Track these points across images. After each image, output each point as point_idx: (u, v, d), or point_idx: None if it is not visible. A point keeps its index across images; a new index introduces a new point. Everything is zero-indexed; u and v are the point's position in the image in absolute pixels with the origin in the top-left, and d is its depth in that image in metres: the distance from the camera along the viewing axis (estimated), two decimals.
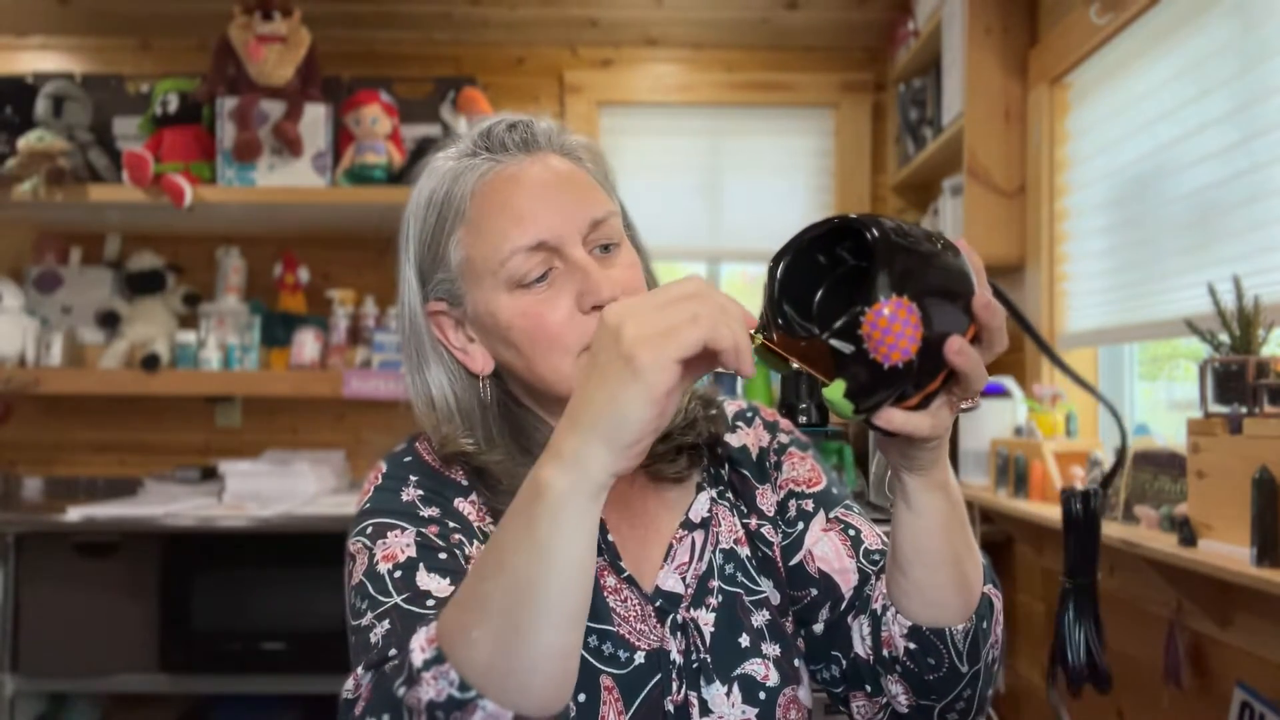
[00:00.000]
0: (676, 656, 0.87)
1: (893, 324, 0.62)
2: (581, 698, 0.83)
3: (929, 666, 0.82)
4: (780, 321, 0.68)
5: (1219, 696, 1.64)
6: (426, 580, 0.77)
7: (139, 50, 3.28)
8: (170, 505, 2.57)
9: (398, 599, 0.76)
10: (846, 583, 0.90)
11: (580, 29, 3.22)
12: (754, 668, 0.88)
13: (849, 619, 0.89)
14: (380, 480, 0.88)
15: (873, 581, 0.90)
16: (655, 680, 0.86)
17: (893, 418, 0.67)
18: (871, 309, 0.62)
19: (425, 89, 2.89)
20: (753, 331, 0.67)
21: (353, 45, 3.23)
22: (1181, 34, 1.90)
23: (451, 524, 0.84)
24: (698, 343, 0.61)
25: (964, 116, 2.51)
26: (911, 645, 0.82)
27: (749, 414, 1.03)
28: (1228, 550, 1.43)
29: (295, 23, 2.65)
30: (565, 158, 0.90)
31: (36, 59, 3.25)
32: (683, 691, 0.86)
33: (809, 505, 0.95)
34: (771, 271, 0.71)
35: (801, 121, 3.33)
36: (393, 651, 0.72)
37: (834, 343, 0.64)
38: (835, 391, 0.64)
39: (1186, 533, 1.52)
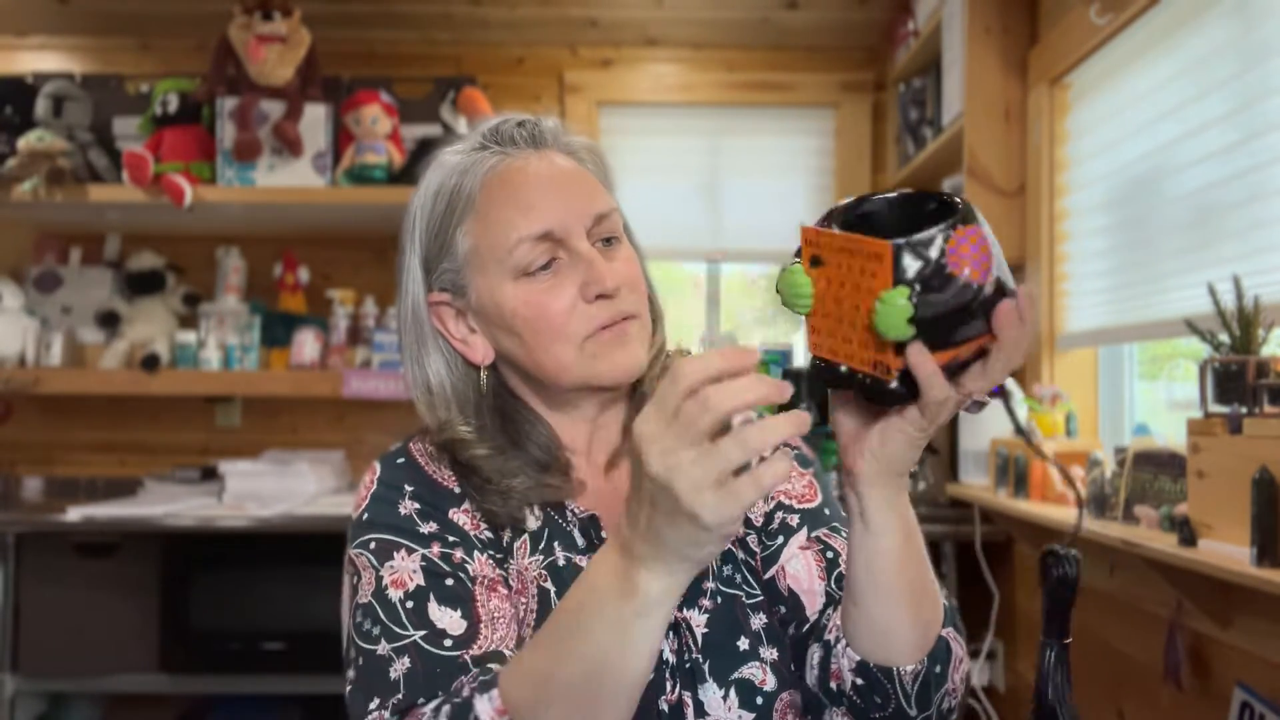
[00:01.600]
0: (669, 656, 0.87)
1: (980, 245, 0.63)
2: None
3: (875, 705, 0.80)
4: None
5: (1219, 696, 1.64)
6: (439, 614, 0.80)
7: (139, 50, 3.29)
8: (170, 505, 2.57)
9: (416, 635, 0.79)
10: (812, 605, 0.89)
11: (580, 29, 3.23)
12: (752, 672, 0.88)
13: (809, 642, 0.88)
14: (375, 486, 0.89)
15: (831, 610, 0.88)
16: (649, 679, 0.85)
17: (926, 360, 0.64)
18: (966, 226, 0.64)
19: (425, 89, 2.89)
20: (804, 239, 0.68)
21: (353, 45, 3.23)
22: (1181, 34, 1.90)
23: (451, 538, 0.86)
24: (759, 496, 0.61)
25: (964, 116, 2.51)
26: (859, 681, 0.80)
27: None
28: (1228, 550, 1.43)
29: (295, 23, 2.65)
30: (569, 156, 0.93)
31: (36, 59, 3.25)
32: (676, 691, 0.86)
33: (794, 520, 0.94)
34: (847, 206, 0.71)
35: (801, 121, 3.33)
36: (422, 700, 0.75)
37: (905, 257, 0.63)
38: (898, 297, 0.62)
39: (1186, 533, 1.51)
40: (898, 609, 0.76)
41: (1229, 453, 1.45)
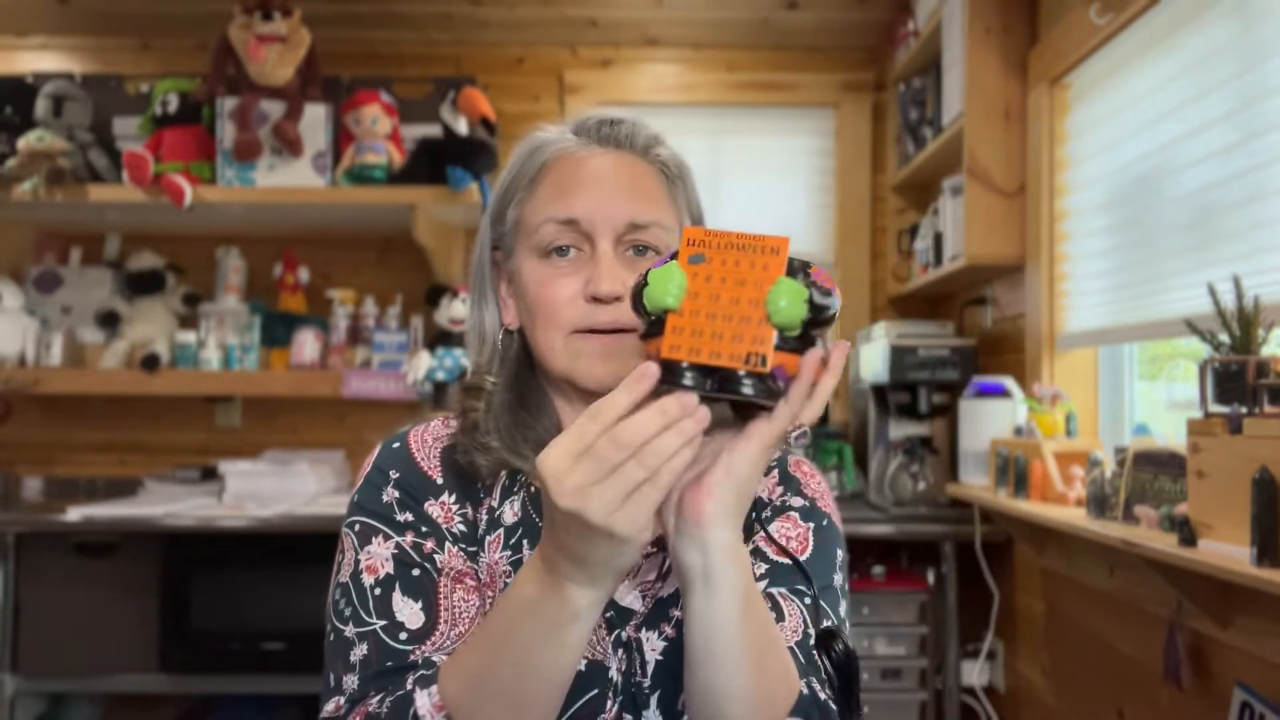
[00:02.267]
0: (615, 674, 0.85)
1: (830, 280, 0.69)
2: None
3: None
4: None
5: (1219, 696, 1.64)
6: (401, 605, 0.85)
7: (139, 50, 3.29)
8: (170, 505, 2.57)
9: (377, 625, 0.84)
10: None
11: (580, 29, 3.23)
12: None
13: None
14: (369, 469, 0.94)
15: None
16: (592, 694, 0.84)
17: (815, 351, 0.67)
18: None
19: (425, 89, 2.89)
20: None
21: (353, 45, 3.23)
22: (1181, 34, 1.90)
23: (424, 528, 0.89)
24: (660, 497, 0.65)
25: (964, 116, 2.51)
26: None
27: (773, 464, 0.98)
28: (1228, 550, 1.43)
29: (295, 23, 2.65)
30: (651, 164, 0.94)
31: (36, 59, 3.25)
32: (615, 710, 0.84)
33: (760, 569, 0.89)
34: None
35: (802, 121, 3.33)
36: (373, 693, 0.80)
37: (791, 260, 0.68)
38: (798, 283, 0.66)
39: (1186, 533, 1.51)
40: (735, 677, 0.73)
41: (1229, 453, 1.45)
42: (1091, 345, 2.31)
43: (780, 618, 0.86)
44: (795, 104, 3.30)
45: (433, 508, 0.90)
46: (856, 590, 2.60)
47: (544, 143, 0.94)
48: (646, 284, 0.69)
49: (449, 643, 0.84)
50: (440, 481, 0.92)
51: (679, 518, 0.70)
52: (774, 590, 0.88)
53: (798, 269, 0.68)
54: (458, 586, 0.87)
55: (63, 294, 3.00)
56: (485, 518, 0.91)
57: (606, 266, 0.87)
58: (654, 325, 0.69)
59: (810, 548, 0.93)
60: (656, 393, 0.66)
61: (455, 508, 0.91)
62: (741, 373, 0.65)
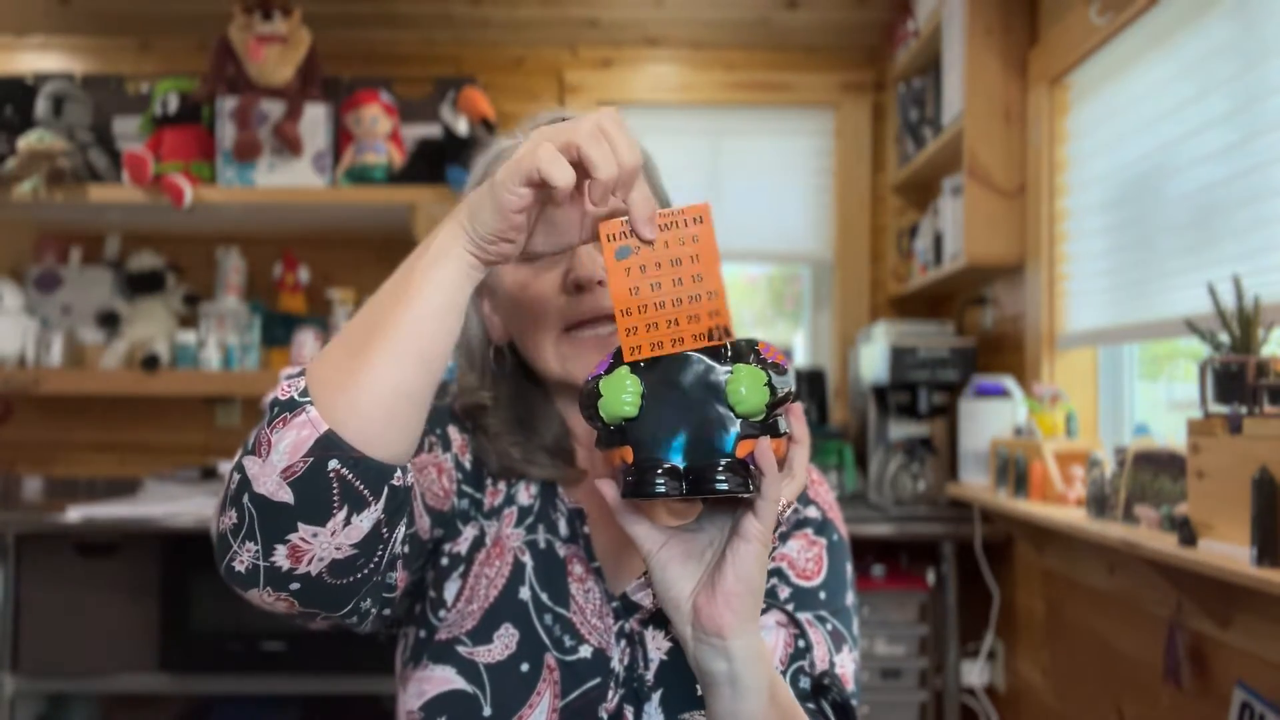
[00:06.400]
0: (617, 665, 0.86)
1: (779, 355, 0.68)
2: (525, 667, 0.85)
3: None
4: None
5: (1219, 696, 1.64)
6: None
7: (139, 50, 3.29)
8: (170, 505, 2.57)
9: None
10: None
11: (580, 29, 3.23)
12: None
13: None
14: None
15: None
16: (595, 682, 0.85)
17: (768, 440, 0.66)
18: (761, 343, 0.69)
19: (425, 89, 2.89)
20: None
21: (353, 45, 3.23)
22: (1181, 34, 1.90)
23: (433, 438, 0.93)
24: (530, 173, 0.64)
25: (964, 116, 2.51)
26: None
27: None
28: (1228, 550, 1.43)
29: (295, 23, 2.65)
30: None
31: (36, 59, 3.25)
32: (616, 701, 0.85)
33: (784, 592, 0.89)
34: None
35: (801, 121, 3.33)
36: None
37: (740, 346, 0.68)
38: (754, 367, 0.66)
39: (1186, 533, 1.51)
40: None
41: (1229, 453, 1.45)
42: (1091, 345, 2.31)
43: (808, 646, 0.86)
44: (795, 104, 3.30)
45: (454, 434, 0.94)
46: (857, 590, 2.60)
47: (507, 148, 0.93)
48: (600, 394, 0.66)
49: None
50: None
51: (698, 628, 0.69)
52: (803, 615, 0.88)
53: (746, 350, 0.67)
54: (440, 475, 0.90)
55: (63, 294, 3.00)
56: (503, 490, 0.93)
57: (586, 255, 0.87)
58: (612, 435, 0.67)
59: (825, 568, 0.92)
60: (630, 505, 0.67)
61: (472, 450, 0.95)
62: (718, 467, 0.64)
